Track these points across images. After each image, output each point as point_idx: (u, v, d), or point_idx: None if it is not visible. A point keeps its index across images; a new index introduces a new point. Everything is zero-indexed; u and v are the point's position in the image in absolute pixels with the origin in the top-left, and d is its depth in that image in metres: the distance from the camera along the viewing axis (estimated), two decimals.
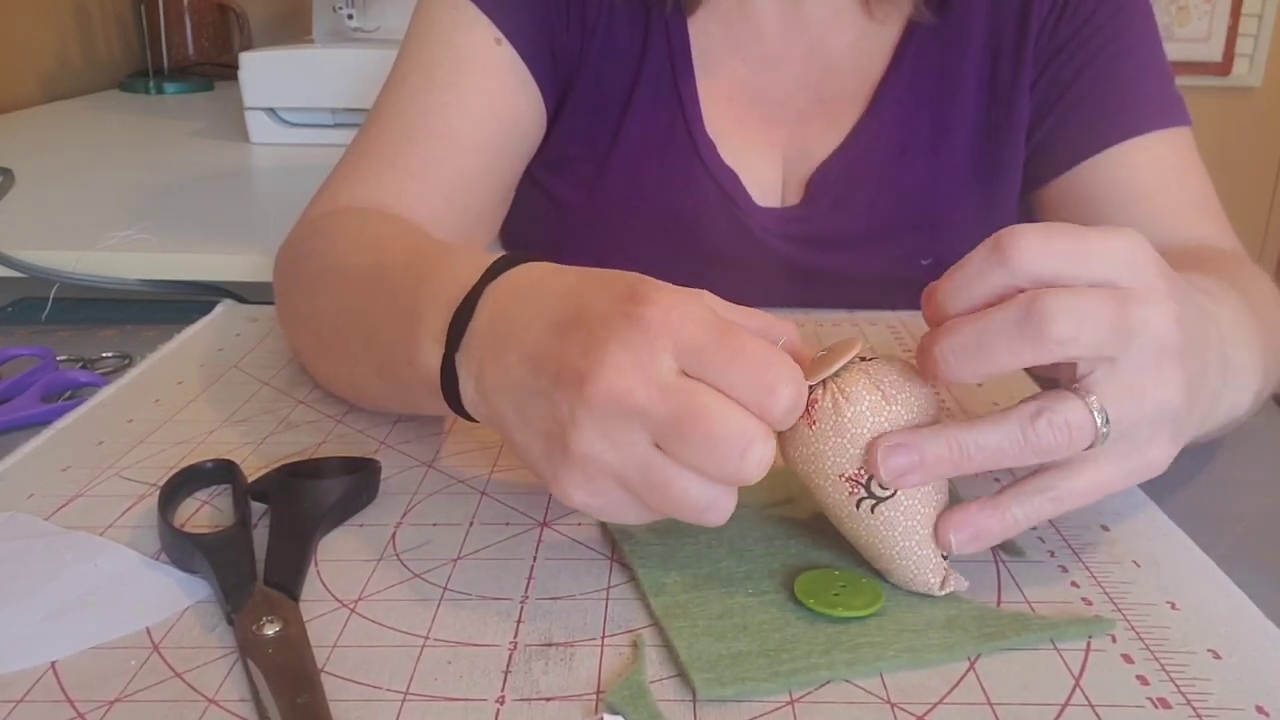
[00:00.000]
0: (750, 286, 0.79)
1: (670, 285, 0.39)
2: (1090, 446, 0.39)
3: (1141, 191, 0.72)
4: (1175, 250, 0.67)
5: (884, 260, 0.78)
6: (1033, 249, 0.39)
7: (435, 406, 0.47)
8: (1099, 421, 0.39)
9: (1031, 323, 0.38)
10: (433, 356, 0.45)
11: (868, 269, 0.78)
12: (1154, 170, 0.72)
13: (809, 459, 0.41)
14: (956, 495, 0.44)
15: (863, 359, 0.42)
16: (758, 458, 0.37)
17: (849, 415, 0.40)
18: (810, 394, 0.41)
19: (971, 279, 0.40)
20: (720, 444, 0.36)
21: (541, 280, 0.43)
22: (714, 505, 0.38)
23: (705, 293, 0.42)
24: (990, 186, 0.77)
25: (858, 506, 0.41)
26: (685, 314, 0.37)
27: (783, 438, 0.42)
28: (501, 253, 0.47)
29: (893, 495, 0.40)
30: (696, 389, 0.37)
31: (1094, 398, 0.39)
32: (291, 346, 0.67)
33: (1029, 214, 0.79)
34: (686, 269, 0.79)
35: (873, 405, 0.40)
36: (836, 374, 0.41)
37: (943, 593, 0.41)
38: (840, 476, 0.41)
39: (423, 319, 0.46)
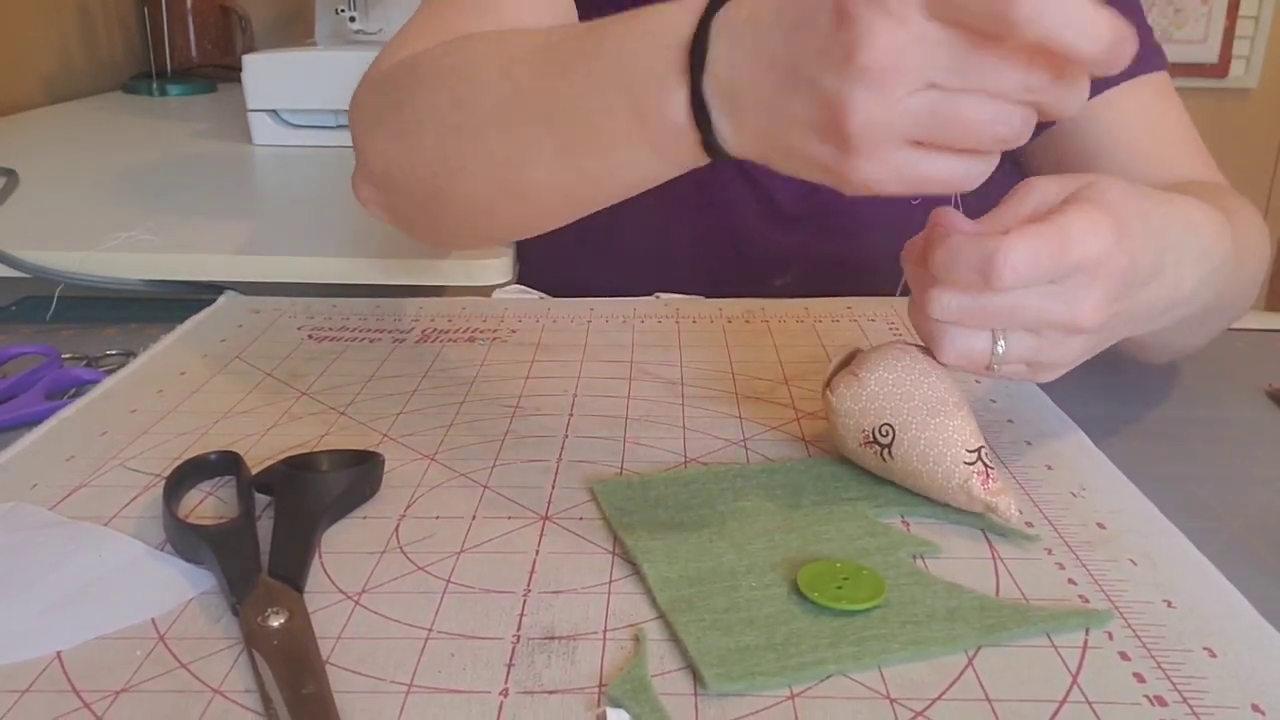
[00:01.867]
0: (740, 271, 0.79)
1: None
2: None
3: (1128, 137, 0.74)
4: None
5: (871, 240, 0.78)
6: (1018, 277, 0.42)
7: (643, 166, 0.48)
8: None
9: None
10: (678, 104, 0.44)
11: (854, 250, 0.79)
12: (1138, 115, 0.74)
13: (841, 443, 0.51)
14: (970, 417, 0.48)
15: (849, 359, 0.51)
16: (1033, 81, 0.38)
17: (835, 401, 0.50)
18: (825, 402, 0.51)
19: (962, 268, 0.43)
20: (998, 67, 0.37)
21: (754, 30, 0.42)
22: (1001, 117, 0.38)
23: None
24: None
25: (882, 458, 0.48)
26: None
27: (830, 435, 0.52)
28: None
29: (894, 436, 0.48)
30: (957, 42, 0.37)
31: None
32: (385, 168, 0.61)
33: (1024, 167, 0.80)
34: (676, 255, 0.78)
35: (847, 384, 0.49)
36: (829, 379, 0.51)
37: (987, 497, 0.46)
38: (861, 445, 0.49)
39: (651, 85, 0.45)
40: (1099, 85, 0.73)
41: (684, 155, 0.46)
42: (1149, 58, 0.75)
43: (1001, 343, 0.46)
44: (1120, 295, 0.46)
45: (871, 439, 0.48)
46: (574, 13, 0.73)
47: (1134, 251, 0.45)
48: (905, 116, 0.38)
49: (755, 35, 0.41)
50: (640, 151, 0.47)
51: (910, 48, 0.37)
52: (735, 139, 0.44)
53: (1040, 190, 0.47)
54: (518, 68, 0.52)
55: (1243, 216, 0.64)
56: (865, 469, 0.51)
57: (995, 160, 0.41)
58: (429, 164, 0.57)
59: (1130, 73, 0.74)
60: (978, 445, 0.47)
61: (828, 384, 0.51)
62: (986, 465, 0.47)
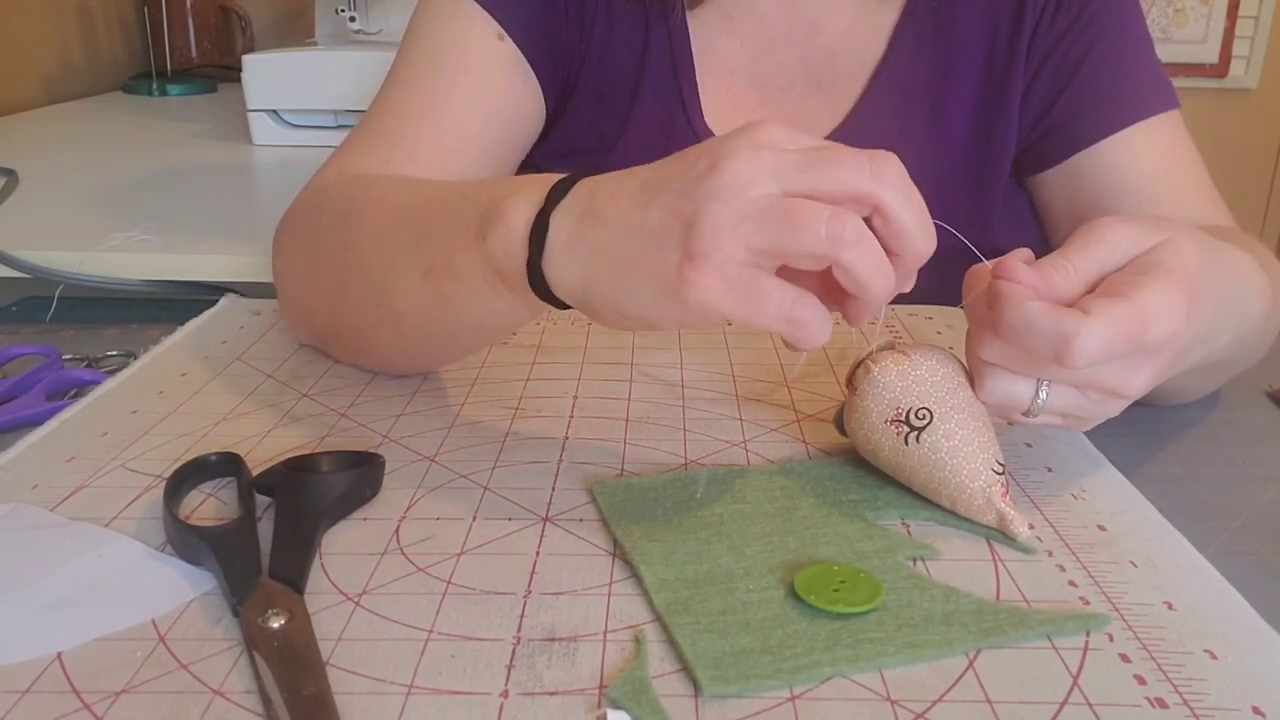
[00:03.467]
0: None
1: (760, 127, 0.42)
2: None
3: (1142, 179, 0.74)
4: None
5: None
6: (1092, 361, 0.43)
7: (486, 296, 0.49)
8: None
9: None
10: (521, 213, 0.46)
11: None
12: (1152, 157, 0.74)
13: (860, 420, 0.49)
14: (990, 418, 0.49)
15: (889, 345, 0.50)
16: (885, 166, 0.41)
17: (876, 372, 0.49)
18: (851, 376, 0.51)
19: (1036, 339, 0.43)
20: (846, 154, 0.41)
21: (621, 173, 0.46)
22: (838, 214, 0.40)
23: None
24: (983, 164, 0.78)
25: (905, 442, 0.47)
26: (773, 130, 0.42)
27: (845, 415, 0.51)
28: None
29: (930, 422, 0.47)
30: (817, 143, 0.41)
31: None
32: (296, 294, 0.66)
33: (1032, 196, 0.80)
34: None
35: (896, 360, 0.49)
36: (867, 355, 0.50)
37: (1004, 506, 0.46)
38: (885, 422, 0.48)
39: (504, 200, 0.47)
40: (1112, 124, 0.74)
41: (500, 288, 0.48)
42: (1162, 96, 0.75)
43: (1044, 393, 0.46)
44: (1173, 367, 0.46)
45: (903, 418, 0.47)
46: (492, 161, 0.75)
47: (1196, 325, 0.45)
48: (758, 213, 0.40)
49: (607, 199, 0.44)
50: (481, 276, 0.49)
51: (764, 156, 0.41)
52: (566, 255, 0.44)
53: (1112, 239, 0.46)
54: (404, 207, 0.56)
55: (1272, 266, 0.63)
56: (871, 452, 0.49)
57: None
58: (313, 290, 0.63)
59: (1144, 112, 0.74)
60: (1004, 462, 0.48)
61: (865, 358, 0.50)
62: (1008, 482, 0.47)
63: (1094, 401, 0.47)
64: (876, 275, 0.41)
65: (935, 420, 0.47)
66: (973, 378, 0.48)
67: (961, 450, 0.46)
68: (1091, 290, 0.45)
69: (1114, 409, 0.48)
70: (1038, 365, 0.46)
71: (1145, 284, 0.44)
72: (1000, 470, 0.47)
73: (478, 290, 0.50)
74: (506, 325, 0.54)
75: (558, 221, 0.45)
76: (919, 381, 0.48)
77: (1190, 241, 0.47)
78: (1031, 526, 0.47)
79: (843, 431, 0.52)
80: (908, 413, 0.47)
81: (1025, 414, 0.47)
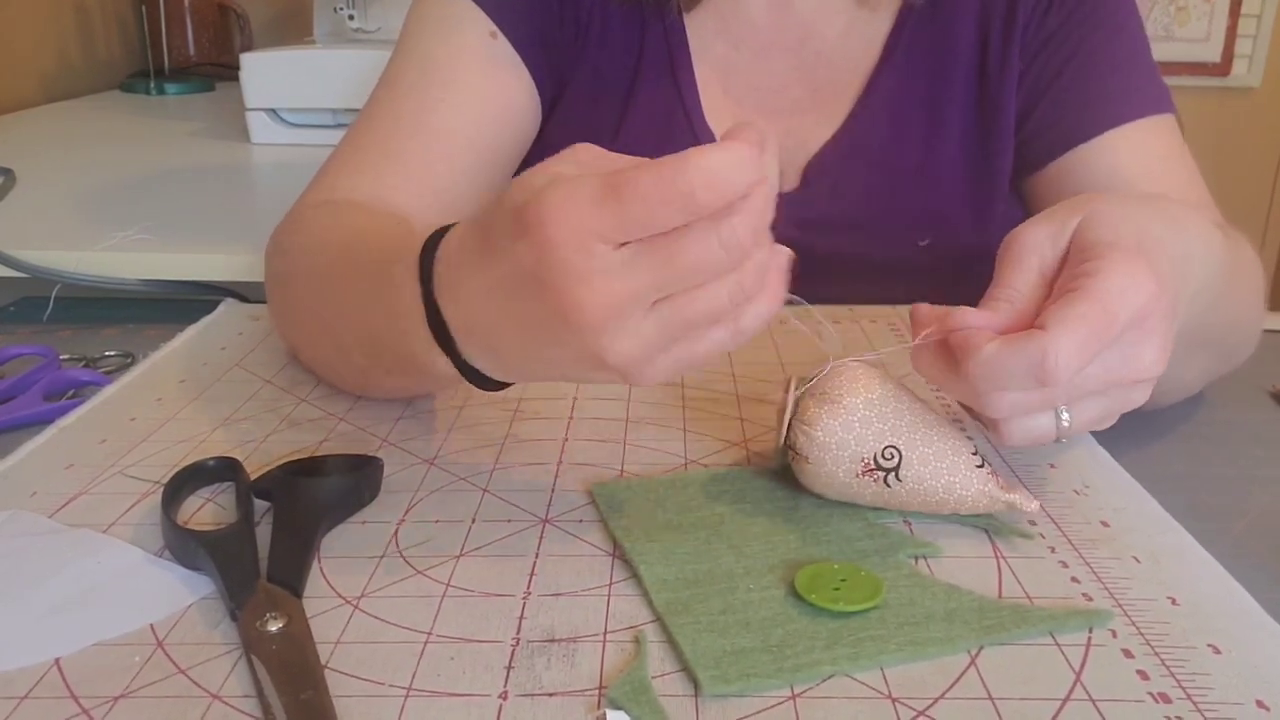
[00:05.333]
0: None
1: (535, 188, 0.38)
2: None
3: (1124, 179, 0.73)
4: None
5: (882, 242, 0.79)
6: (1075, 368, 0.41)
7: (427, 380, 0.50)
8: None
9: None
10: (439, 362, 0.45)
11: (866, 251, 0.79)
12: (1136, 158, 0.73)
13: (827, 481, 0.46)
14: (948, 420, 0.47)
15: (805, 382, 0.47)
16: (740, 227, 0.37)
17: (821, 435, 0.45)
18: (788, 442, 0.47)
19: (1009, 378, 0.43)
20: (703, 255, 0.37)
21: (467, 275, 0.43)
22: (735, 290, 0.39)
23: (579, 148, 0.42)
24: (982, 167, 0.78)
25: (886, 484, 0.45)
26: (577, 206, 0.37)
27: (803, 478, 0.47)
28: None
29: (900, 458, 0.45)
30: (642, 249, 0.37)
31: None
32: (280, 335, 0.68)
33: (1024, 198, 0.80)
34: None
35: (832, 413, 0.45)
36: (793, 415, 0.47)
37: (1007, 496, 0.45)
38: (858, 476, 0.45)
39: (413, 338, 0.46)
40: (1098, 125, 0.73)
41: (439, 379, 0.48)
42: (1152, 99, 0.74)
43: (1066, 415, 0.45)
44: (1171, 330, 0.45)
45: (873, 465, 0.45)
46: (485, 166, 0.74)
47: (1172, 286, 0.45)
48: (654, 338, 0.39)
49: (484, 314, 0.42)
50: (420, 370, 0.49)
51: (615, 291, 0.37)
52: (510, 379, 0.46)
53: (1031, 242, 0.46)
54: (326, 276, 0.57)
55: (1239, 247, 0.63)
56: (851, 499, 0.47)
57: (759, 315, 0.41)
58: (291, 342, 0.65)
59: (1132, 114, 0.73)
60: (975, 449, 0.46)
61: (789, 425, 0.47)
62: (990, 466, 0.46)
63: (1118, 397, 0.46)
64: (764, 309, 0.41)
65: (904, 453, 0.45)
66: (989, 429, 0.46)
67: (942, 466, 0.45)
68: (1050, 298, 0.45)
69: (1141, 394, 0.46)
70: (1045, 401, 0.44)
71: (1091, 270, 0.43)
72: (980, 461, 0.46)
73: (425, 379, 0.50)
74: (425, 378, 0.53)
75: (445, 313, 0.44)
76: (866, 423, 0.45)
77: (1109, 204, 0.46)
78: (1033, 523, 0.46)
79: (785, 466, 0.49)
80: (875, 458, 0.45)
81: (1057, 439, 0.46)
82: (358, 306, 0.53)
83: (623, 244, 0.37)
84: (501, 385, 0.46)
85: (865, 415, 0.45)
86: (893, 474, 0.45)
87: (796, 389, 0.47)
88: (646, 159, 0.38)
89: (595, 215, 0.37)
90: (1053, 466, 0.52)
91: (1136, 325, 0.43)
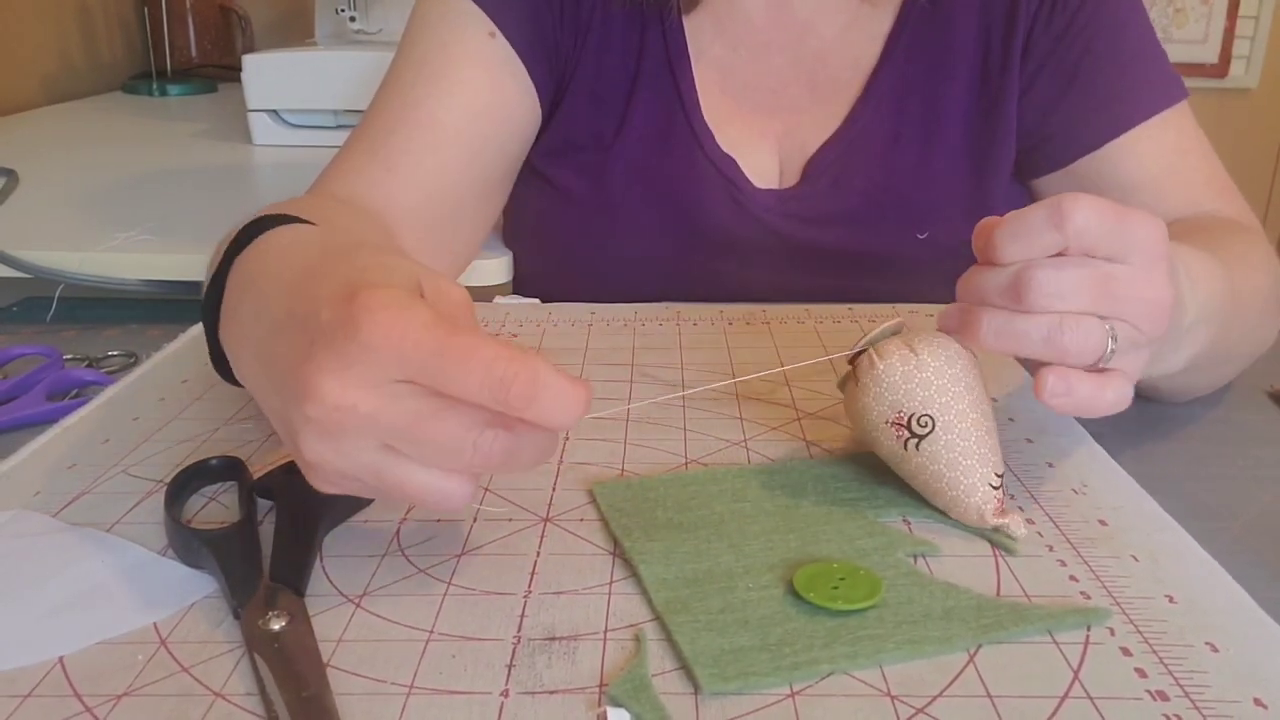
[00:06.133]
0: (753, 268, 0.80)
1: (390, 288, 0.36)
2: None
3: (1147, 179, 0.74)
4: (1176, 224, 0.70)
5: (882, 236, 0.79)
6: (1089, 222, 0.43)
7: None
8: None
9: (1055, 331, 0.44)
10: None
11: (866, 245, 0.79)
12: (1156, 157, 0.74)
13: (861, 414, 0.48)
14: (998, 440, 0.47)
15: (896, 330, 0.49)
16: (488, 448, 0.36)
17: (881, 368, 0.47)
18: (855, 362, 0.49)
19: (1029, 232, 0.44)
20: (449, 444, 0.35)
21: (267, 269, 0.44)
22: (452, 494, 0.37)
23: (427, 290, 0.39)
24: (981, 165, 0.78)
25: (905, 447, 0.46)
26: (407, 321, 0.35)
27: (845, 401, 0.50)
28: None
29: (932, 431, 0.45)
30: (419, 396, 0.35)
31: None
32: None
33: (1033, 197, 0.80)
34: (690, 253, 0.80)
35: (903, 358, 0.47)
36: (875, 342, 0.48)
37: (997, 521, 0.45)
38: (886, 423, 0.47)
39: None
40: (1115, 127, 0.73)
41: None
42: (1165, 91, 0.75)
43: (1112, 337, 0.44)
44: (1172, 278, 0.45)
45: (904, 423, 0.46)
46: (477, 163, 0.75)
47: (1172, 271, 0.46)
48: (354, 471, 0.37)
49: (248, 325, 0.43)
50: None
51: (359, 410, 0.35)
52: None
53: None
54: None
55: (1251, 256, 0.63)
56: (868, 443, 0.49)
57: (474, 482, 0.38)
58: None
59: (1147, 111, 0.74)
60: (1002, 471, 0.46)
61: (862, 349, 0.48)
62: (1005, 494, 0.46)
63: (1138, 317, 0.44)
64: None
65: (937, 429, 0.46)
66: (1047, 349, 0.45)
67: (960, 463, 0.45)
68: None
69: (1156, 323, 0.45)
70: (1082, 281, 0.44)
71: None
72: (998, 483, 0.46)
73: None
74: None
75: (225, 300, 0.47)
76: (924, 385, 0.46)
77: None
78: (1031, 521, 0.47)
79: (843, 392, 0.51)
80: (910, 418, 0.46)
81: (1099, 365, 0.45)
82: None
83: (404, 381, 0.35)
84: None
85: (926, 377, 0.46)
86: (915, 441, 0.46)
87: (893, 329, 0.49)
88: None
89: (415, 346, 0.34)
90: (1051, 465, 0.52)
91: (1145, 248, 0.44)
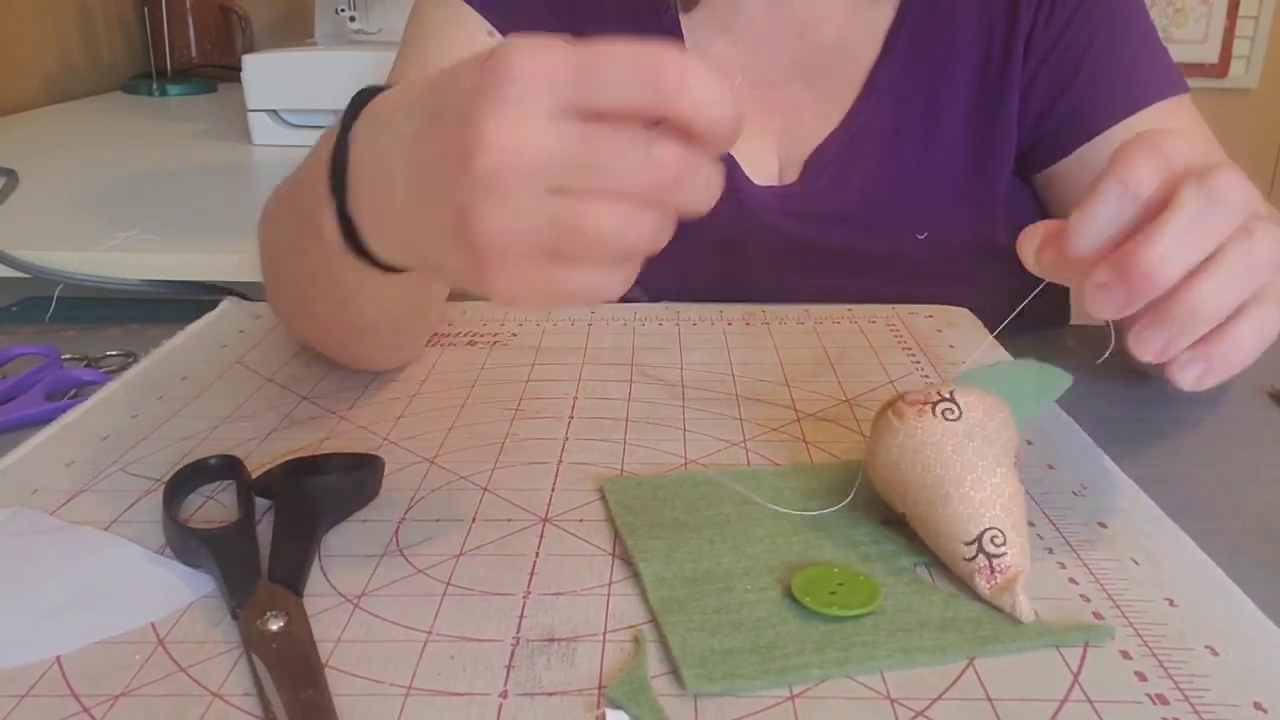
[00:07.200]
0: (752, 266, 0.80)
1: (526, 37, 0.36)
2: None
3: None
4: None
5: (882, 235, 0.79)
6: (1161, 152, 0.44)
7: (352, 275, 0.47)
8: None
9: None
10: (327, 214, 0.44)
11: (866, 244, 0.79)
12: None
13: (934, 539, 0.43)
14: (969, 492, 0.42)
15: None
16: (663, 157, 0.35)
17: (878, 449, 0.45)
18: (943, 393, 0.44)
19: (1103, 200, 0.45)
20: (623, 162, 0.35)
21: (401, 94, 0.43)
22: (632, 223, 0.36)
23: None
24: (982, 162, 0.78)
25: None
26: (549, 49, 0.36)
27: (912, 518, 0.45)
28: None
29: (906, 518, 0.44)
30: (582, 124, 0.35)
31: None
32: (276, 313, 0.68)
33: (1039, 190, 0.80)
34: (689, 249, 0.80)
35: (972, 404, 0.44)
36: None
37: (990, 597, 0.41)
38: (962, 560, 0.42)
39: (314, 186, 0.45)
40: (1118, 113, 0.73)
41: (353, 261, 0.45)
42: (1167, 81, 0.75)
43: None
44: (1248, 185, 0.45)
45: (891, 513, 0.46)
46: None
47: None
48: (533, 228, 0.35)
49: (389, 140, 0.41)
50: (334, 259, 0.47)
51: (528, 148, 0.35)
52: (386, 252, 0.44)
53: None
54: (278, 212, 0.58)
55: None
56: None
57: (635, 268, 0.38)
58: (276, 306, 0.65)
59: (1150, 98, 0.74)
60: (978, 532, 0.41)
61: (894, 402, 0.45)
62: (989, 555, 0.41)
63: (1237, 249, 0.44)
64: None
65: (909, 517, 0.44)
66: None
67: (938, 542, 0.43)
68: None
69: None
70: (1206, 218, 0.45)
71: None
72: (971, 553, 0.41)
73: (338, 264, 0.47)
74: (373, 291, 0.51)
75: (360, 226, 0.43)
76: (883, 469, 0.45)
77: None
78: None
79: None
80: (890, 509, 0.45)
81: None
82: (291, 205, 0.52)
83: (562, 110, 0.35)
84: (376, 264, 0.45)
85: (884, 462, 0.44)
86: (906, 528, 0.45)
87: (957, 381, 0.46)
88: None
89: (560, 64, 0.35)
90: (1051, 467, 0.52)
91: (1231, 205, 0.44)
